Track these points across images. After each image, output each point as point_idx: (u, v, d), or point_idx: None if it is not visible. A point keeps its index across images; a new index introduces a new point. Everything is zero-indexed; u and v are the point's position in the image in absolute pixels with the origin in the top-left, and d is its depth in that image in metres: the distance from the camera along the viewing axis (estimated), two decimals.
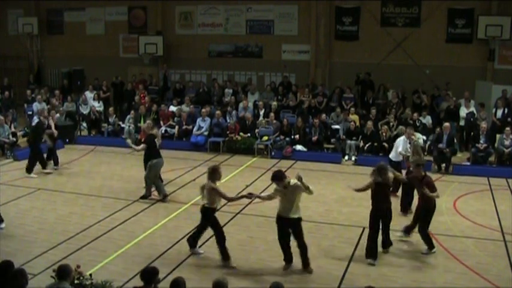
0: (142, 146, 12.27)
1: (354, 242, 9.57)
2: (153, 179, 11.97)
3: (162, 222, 10.62)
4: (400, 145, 12.02)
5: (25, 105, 20.03)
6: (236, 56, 21.63)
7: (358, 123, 16.71)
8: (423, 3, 18.95)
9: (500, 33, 17.71)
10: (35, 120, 17.58)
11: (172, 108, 18.71)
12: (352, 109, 17.53)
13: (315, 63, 20.40)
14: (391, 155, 12.35)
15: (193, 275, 8.11)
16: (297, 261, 8.65)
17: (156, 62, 22.25)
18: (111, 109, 18.82)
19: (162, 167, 12.15)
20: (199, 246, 9.13)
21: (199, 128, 17.16)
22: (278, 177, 8.29)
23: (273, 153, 16.28)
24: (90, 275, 7.19)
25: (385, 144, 15.37)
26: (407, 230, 9.71)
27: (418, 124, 16.07)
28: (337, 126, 16.95)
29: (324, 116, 17.05)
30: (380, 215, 8.87)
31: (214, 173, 8.66)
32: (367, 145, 15.59)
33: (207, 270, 8.38)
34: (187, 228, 10.24)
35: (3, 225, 10.08)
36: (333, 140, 16.56)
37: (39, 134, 14.24)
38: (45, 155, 14.35)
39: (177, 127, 17.66)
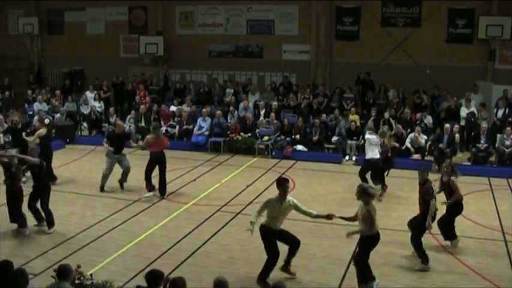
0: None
1: (355, 242, 9.53)
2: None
3: (162, 222, 10.62)
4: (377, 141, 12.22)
5: (26, 105, 20.04)
6: (237, 56, 21.63)
7: (358, 123, 16.71)
8: (424, 3, 18.93)
9: (501, 33, 17.69)
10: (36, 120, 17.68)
11: (173, 108, 18.72)
12: (353, 109, 17.52)
13: (316, 63, 20.39)
14: (370, 155, 12.20)
15: (193, 275, 8.10)
16: (300, 261, 8.65)
17: (156, 62, 22.25)
18: (111, 109, 18.83)
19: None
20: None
21: (200, 128, 17.16)
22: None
23: (273, 153, 16.28)
24: (91, 275, 7.20)
25: None
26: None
27: (423, 125, 16.08)
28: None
29: (324, 116, 17.05)
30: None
31: (367, 194, 7.71)
32: None
33: (207, 270, 8.37)
34: (187, 228, 10.27)
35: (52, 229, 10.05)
36: (334, 139, 16.53)
37: None
38: None
39: (177, 127, 17.67)
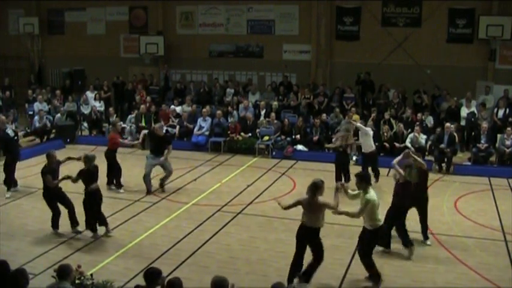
0: None
1: (355, 242, 9.54)
2: None
3: (163, 222, 10.63)
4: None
5: (26, 105, 20.04)
6: (237, 56, 21.63)
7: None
8: (424, 3, 18.92)
9: (501, 33, 17.67)
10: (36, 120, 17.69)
11: (178, 109, 18.69)
12: (353, 109, 17.51)
13: (316, 63, 20.39)
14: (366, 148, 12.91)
15: (193, 275, 8.11)
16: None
17: (156, 62, 22.25)
18: (111, 109, 18.85)
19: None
20: None
21: (200, 128, 17.16)
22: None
23: (273, 153, 16.27)
24: (91, 275, 7.20)
25: (386, 144, 15.38)
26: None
27: (424, 125, 16.08)
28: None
29: (324, 115, 17.04)
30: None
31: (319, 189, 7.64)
32: None
33: (207, 270, 8.37)
34: (188, 228, 10.27)
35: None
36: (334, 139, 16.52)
37: None
38: None
39: (177, 127, 17.67)
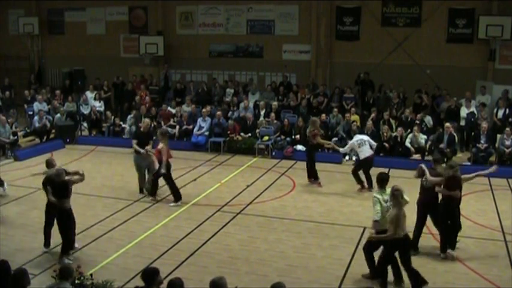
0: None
1: (355, 242, 9.55)
2: None
3: (162, 222, 10.63)
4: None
5: (25, 105, 20.03)
6: (237, 56, 21.63)
7: (358, 123, 16.68)
8: (424, 3, 18.93)
9: (501, 33, 17.68)
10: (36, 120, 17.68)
11: (171, 109, 18.69)
12: (353, 109, 17.51)
13: (316, 63, 20.39)
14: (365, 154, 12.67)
15: (193, 275, 8.11)
16: (300, 261, 8.65)
17: (156, 62, 22.26)
18: (108, 113, 18.84)
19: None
20: None
21: (200, 128, 17.16)
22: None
23: (273, 153, 16.26)
24: (91, 275, 7.21)
25: (386, 144, 15.38)
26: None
27: (423, 125, 16.07)
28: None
29: (324, 116, 17.03)
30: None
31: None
32: None
33: (207, 270, 8.37)
34: (188, 228, 10.27)
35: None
36: (333, 140, 16.52)
37: None
38: None
39: (177, 127, 17.67)
